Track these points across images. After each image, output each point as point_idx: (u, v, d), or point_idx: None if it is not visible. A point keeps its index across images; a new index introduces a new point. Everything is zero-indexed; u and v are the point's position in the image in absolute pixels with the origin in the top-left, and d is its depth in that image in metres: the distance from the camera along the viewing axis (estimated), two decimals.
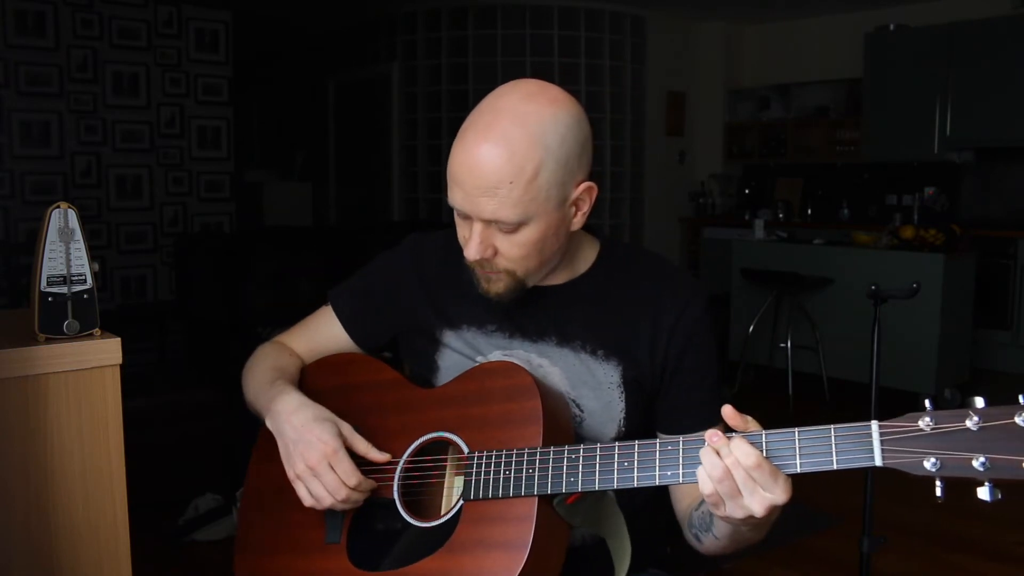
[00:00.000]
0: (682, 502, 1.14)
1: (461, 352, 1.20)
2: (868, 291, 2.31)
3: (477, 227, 1.06)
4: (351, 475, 1.08)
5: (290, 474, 1.11)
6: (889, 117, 6.00)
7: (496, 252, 1.08)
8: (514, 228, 1.05)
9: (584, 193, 1.08)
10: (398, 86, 6.45)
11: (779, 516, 0.97)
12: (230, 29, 5.70)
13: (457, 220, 1.11)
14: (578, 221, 1.11)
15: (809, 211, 6.81)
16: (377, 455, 1.11)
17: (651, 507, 1.19)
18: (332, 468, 1.08)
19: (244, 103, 7.37)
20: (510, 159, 1.01)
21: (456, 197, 1.06)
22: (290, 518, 1.17)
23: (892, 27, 6.01)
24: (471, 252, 1.07)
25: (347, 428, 1.12)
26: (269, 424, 1.15)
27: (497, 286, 1.10)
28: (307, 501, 1.10)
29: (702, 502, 1.05)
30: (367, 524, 1.14)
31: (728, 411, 0.92)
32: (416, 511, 1.11)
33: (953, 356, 4.49)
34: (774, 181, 7.09)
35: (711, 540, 1.06)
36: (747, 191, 7.21)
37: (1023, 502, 3.29)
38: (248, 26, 6.29)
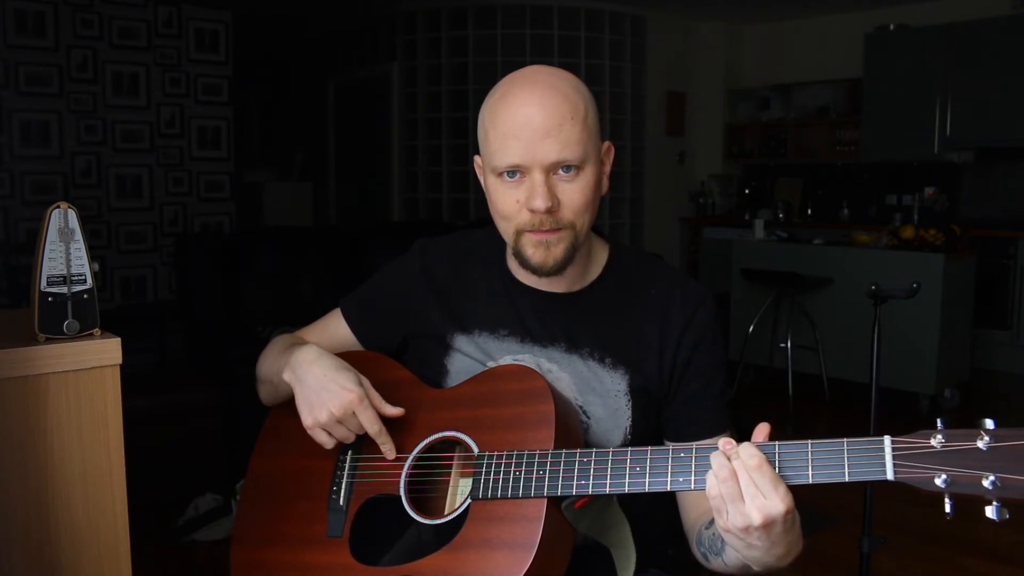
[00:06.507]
0: (690, 513, 1.15)
1: (472, 356, 1.20)
2: (868, 291, 2.31)
3: (539, 177, 1.06)
4: (373, 423, 1.11)
5: (308, 422, 1.11)
6: (889, 117, 5.99)
7: (559, 204, 1.08)
8: (575, 173, 1.07)
9: (607, 152, 1.15)
10: (398, 86, 6.45)
11: (786, 558, 0.95)
12: (230, 29, 5.70)
13: (504, 188, 1.09)
14: (605, 183, 1.15)
15: (809, 211, 6.81)
16: (391, 410, 1.12)
17: (654, 509, 1.19)
18: (355, 416, 1.10)
19: (244, 103, 7.36)
20: (564, 99, 1.06)
21: (513, 153, 1.06)
22: (291, 511, 1.17)
23: (892, 27, 6.01)
24: (540, 200, 1.05)
25: (365, 380, 1.13)
26: (287, 376, 1.15)
27: (558, 248, 1.09)
28: (329, 445, 1.12)
29: (712, 521, 1.05)
30: (370, 519, 1.14)
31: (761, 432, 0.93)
32: (420, 508, 1.11)
33: (953, 356, 4.48)
34: (774, 181, 7.09)
35: (720, 564, 1.06)
36: (747, 191, 7.21)
37: (1022, 503, 3.29)
38: (248, 26, 6.29)
